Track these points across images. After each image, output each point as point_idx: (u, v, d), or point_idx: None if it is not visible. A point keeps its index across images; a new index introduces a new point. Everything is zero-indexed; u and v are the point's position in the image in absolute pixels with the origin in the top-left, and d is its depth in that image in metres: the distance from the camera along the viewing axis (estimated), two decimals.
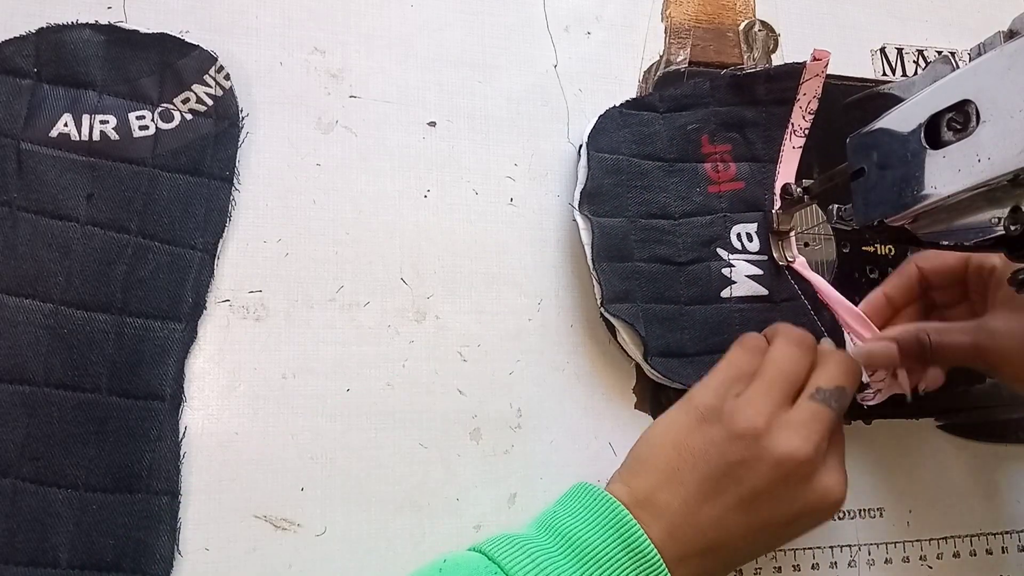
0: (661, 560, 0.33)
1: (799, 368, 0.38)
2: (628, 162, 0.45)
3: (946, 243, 0.35)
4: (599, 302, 0.43)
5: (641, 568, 0.33)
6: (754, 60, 0.50)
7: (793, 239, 0.46)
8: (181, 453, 0.38)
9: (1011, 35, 0.32)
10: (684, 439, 0.36)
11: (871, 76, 0.52)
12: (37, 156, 0.38)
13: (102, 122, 0.39)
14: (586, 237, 0.43)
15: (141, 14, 0.41)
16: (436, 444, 0.41)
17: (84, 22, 0.40)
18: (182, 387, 0.38)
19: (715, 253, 0.45)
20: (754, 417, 0.35)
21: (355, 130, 0.44)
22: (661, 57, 0.49)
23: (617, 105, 0.46)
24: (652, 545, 0.33)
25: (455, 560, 0.34)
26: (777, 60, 0.51)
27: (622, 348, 0.44)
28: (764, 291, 0.45)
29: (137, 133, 0.39)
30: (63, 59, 0.39)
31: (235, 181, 0.41)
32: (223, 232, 0.40)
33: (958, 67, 0.34)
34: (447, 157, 0.45)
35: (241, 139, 0.41)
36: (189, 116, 0.40)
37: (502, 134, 0.46)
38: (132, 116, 0.40)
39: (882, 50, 0.53)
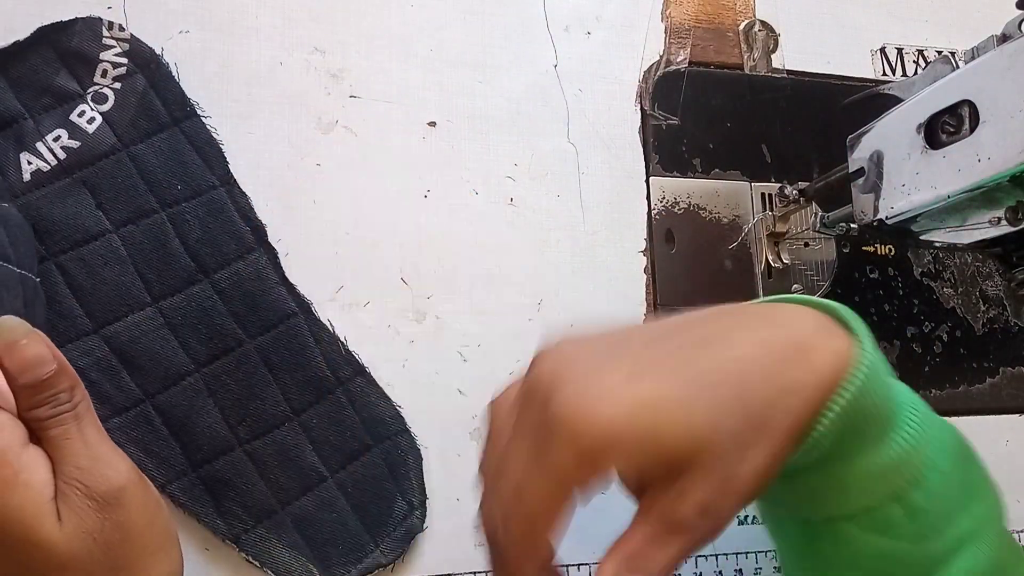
0: None
1: None
2: None
3: (946, 243, 0.35)
4: None
5: None
6: (754, 60, 0.50)
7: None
8: None
9: (1003, 39, 0.32)
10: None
11: (871, 76, 0.52)
12: (31, 204, 0.38)
13: (55, 139, 0.38)
14: None
15: (141, 14, 0.41)
16: (436, 444, 0.41)
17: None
18: (298, 295, 0.40)
19: None
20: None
21: (355, 130, 0.44)
22: (661, 57, 0.49)
23: None
24: None
25: None
26: (777, 60, 0.51)
27: None
28: None
29: (91, 129, 0.39)
30: None
31: (198, 110, 0.40)
32: (225, 159, 0.40)
33: (958, 67, 0.34)
34: (447, 157, 0.44)
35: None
36: (117, 85, 0.40)
37: (502, 134, 0.46)
38: (74, 117, 0.39)
39: (882, 50, 0.53)
